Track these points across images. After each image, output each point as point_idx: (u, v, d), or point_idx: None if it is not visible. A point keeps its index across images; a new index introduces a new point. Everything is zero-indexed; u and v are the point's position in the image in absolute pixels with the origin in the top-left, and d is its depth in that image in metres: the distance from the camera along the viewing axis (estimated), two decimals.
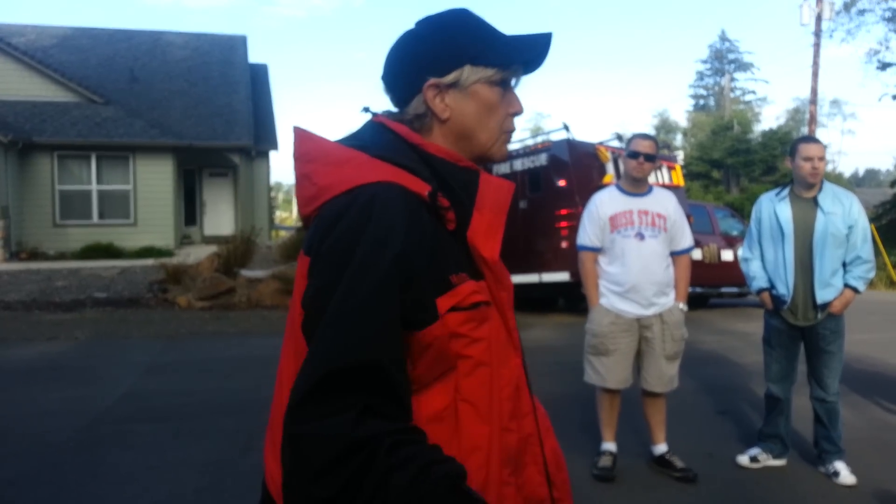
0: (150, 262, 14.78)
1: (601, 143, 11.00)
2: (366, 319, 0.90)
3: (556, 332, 9.38)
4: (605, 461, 3.77)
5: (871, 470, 3.81)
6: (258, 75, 24.81)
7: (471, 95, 1.10)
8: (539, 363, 7.14)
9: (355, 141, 1.10)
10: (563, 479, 1.18)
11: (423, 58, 1.10)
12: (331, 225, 0.98)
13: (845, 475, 3.64)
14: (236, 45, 25.11)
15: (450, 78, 1.08)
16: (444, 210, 1.03)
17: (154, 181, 18.01)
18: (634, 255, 3.68)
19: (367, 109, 1.18)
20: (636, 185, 3.80)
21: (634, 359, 3.80)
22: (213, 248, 13.98)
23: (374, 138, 1.09)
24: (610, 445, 3.84)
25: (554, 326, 10.06)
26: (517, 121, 1.19)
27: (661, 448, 3.86)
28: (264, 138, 20.16)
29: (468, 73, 1.09)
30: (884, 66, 26.50)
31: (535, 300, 11.87)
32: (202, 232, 21.30)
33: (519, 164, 11.48)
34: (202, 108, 21.33)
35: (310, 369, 0.88)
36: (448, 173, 1.07)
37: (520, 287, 12.00)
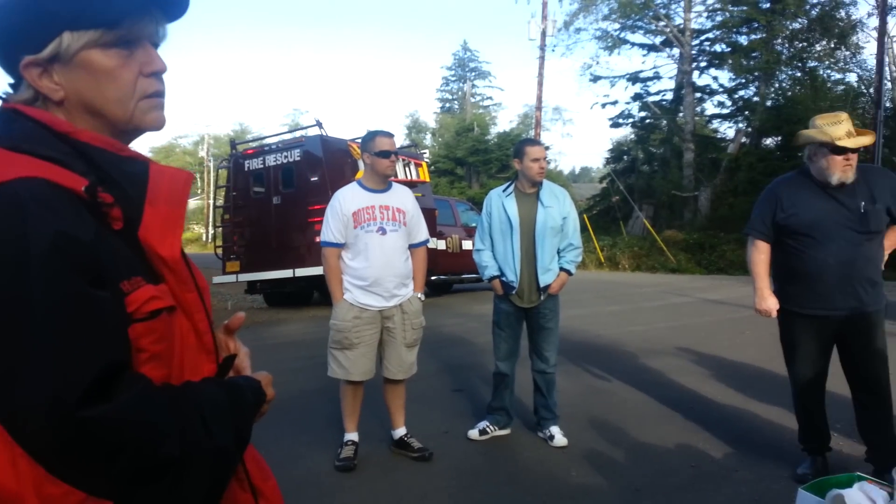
0: None
1: (354, 140, 11.23)
2: (87, 330, 0.80)
3: (309, 326, 9.38)
4: (346, 451, 3.86)
5: (582, 431, 4.35)
6: None
7: (81, 66, 0.93)
8: (289, 359, 7.09)
9: None
10: (272, 486, 1.10)
11: (12, 33, 0.92)
12: None
13: (559, 438, 4.14)
14: None
15: (48, 52, 0.91)
16: (107, 207, 0.89)
17: None
18: (377, 250, 3.80)
19: None
20: (379, 182, 3.92)
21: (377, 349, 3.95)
22: None
23: (7, 128, 0.91)
24: (352, 435, 3.95)
25: (308, 321, 10.05)
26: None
27: (400, 431, 4.06)
28: None
29: (68, 40, 0.91)
30: (595, 78, 30.55)
31: (290, 295, 11.80)
32: None
33: (272, 160, 11.32)
34: None
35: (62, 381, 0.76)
36: (109, 165, 0.93)
37: (274, 282, 11.83)
